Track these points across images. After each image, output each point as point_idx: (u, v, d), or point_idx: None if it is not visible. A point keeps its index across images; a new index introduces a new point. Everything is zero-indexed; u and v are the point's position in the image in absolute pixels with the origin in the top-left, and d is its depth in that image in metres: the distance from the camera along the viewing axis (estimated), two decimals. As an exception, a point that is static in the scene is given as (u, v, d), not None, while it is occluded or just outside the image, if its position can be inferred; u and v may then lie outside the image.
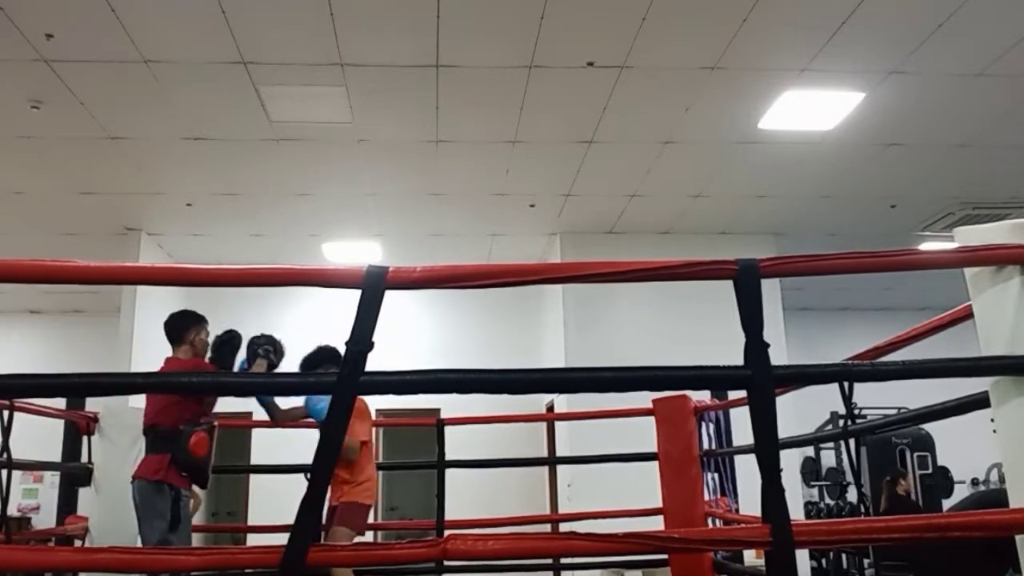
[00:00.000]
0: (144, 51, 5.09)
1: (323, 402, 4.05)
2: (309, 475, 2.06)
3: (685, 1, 4.73)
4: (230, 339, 4.21)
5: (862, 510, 3.53)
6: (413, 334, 9.35)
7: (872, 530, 2.17)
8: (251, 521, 8.41)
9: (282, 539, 2.00)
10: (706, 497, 4.52)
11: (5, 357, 10.24)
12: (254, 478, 8.78)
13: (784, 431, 2.20)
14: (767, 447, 2.02)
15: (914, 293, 10.49)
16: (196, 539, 6.55)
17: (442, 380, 2.07)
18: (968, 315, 2.23)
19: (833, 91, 5.77)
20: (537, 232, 8.57)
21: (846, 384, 2.81)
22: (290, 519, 2.00)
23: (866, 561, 7.69)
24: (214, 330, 4.22)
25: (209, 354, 4.14)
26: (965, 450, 9.44)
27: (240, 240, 8.55)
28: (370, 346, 2.00)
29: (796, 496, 8.45)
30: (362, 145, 6.48)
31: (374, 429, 9.30)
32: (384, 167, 6.91)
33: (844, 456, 9.65)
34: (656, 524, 4.45)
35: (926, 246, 8.16)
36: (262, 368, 4.09)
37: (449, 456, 5.27)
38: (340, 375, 2.01)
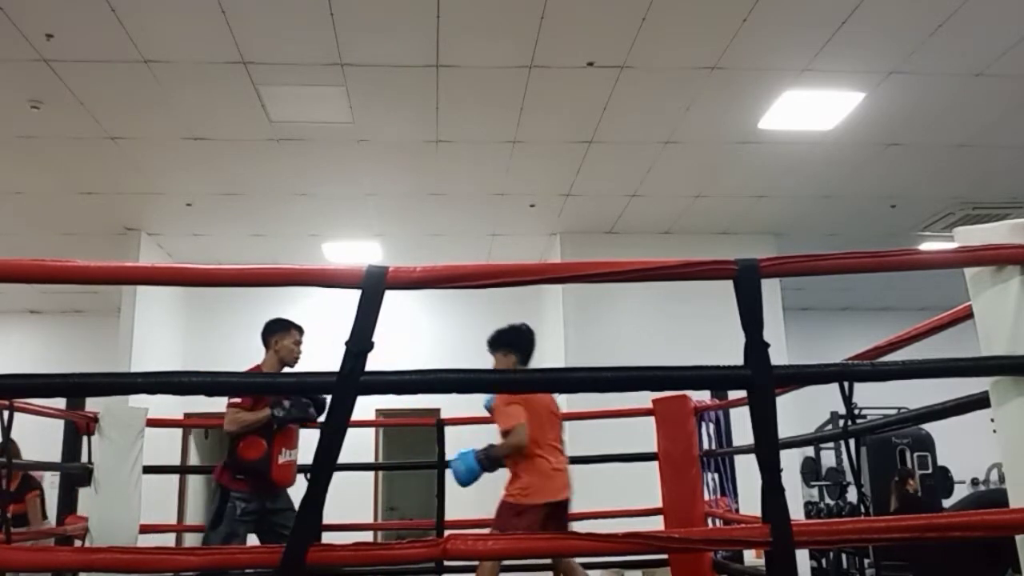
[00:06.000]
0: (144, 51, 5.09)
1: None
2: (309, 475, 2.06)
3: (685, 1, 4.73)
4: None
5: (862, 510, 3.52)
6: (413, 334, 9.34)
7: (872, 530, 2.17)
8: (251, 521, 8.39)
9: (282, 539, 1.99)
10: (706, 497, 4.52)
11: (5, 357, 10.23)
12: (254, 478, 8.75)
13: (784, 431, 2.20)
14: (767, 447, 2.01)
15: (914, 293, 10.48)
16: (196, 539, 6.56)
17: (442, 380, 2.07)
18: (968, 315, 2.22)
19: (833, 91, 5.77)
20: (537, 232, 8.57)
21: (846, 384, 2.80)
22: (290, 519, 2.00)
23: (866, 561, 7.68)
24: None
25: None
26: (965, 450, 9.44)
27: (240, 240, 8.55)
28: (370, 346, 2.00)
29: (796, 496, 8.44)
30: (362, 145, 6.47)
31: (378, 430, 9.38)
32: (384, 167, 6.90)
33: (844, 456, 9.64)
34: (656, 524, 4.45)
35: (926, 246, 8.16)
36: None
37: (449, 456, 5.25)
38: (340, 375, 2.00)
